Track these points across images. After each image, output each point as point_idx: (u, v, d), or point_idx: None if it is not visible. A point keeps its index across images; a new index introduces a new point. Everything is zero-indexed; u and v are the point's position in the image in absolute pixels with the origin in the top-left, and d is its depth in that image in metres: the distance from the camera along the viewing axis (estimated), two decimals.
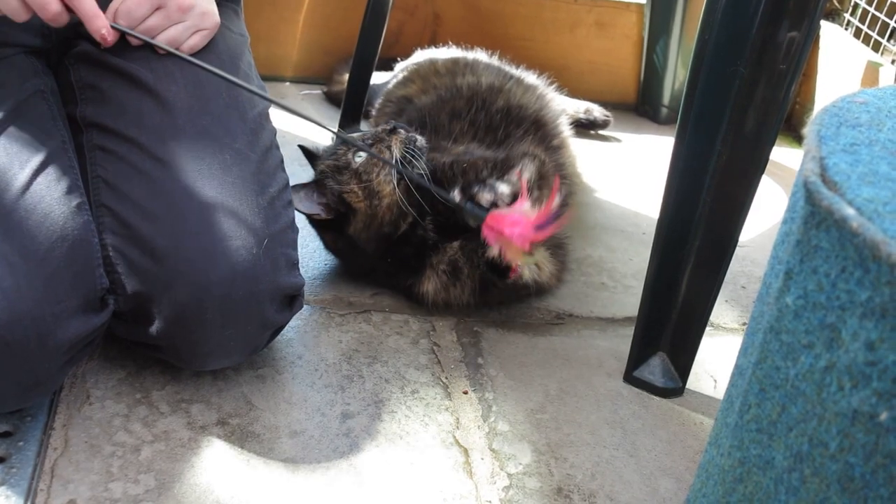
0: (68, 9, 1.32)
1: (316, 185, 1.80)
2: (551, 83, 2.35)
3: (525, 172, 1.72)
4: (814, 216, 0.66)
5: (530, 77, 2.31)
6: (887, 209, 0.63)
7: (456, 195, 1.65)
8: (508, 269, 1.68)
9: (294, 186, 1.66)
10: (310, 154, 1.91)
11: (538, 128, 2.06)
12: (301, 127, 2.55)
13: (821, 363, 0.66)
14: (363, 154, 1.74)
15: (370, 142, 1.76)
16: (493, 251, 1.60)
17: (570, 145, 2.23)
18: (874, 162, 0.70)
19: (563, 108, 2.40)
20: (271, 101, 1.48)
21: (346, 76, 2.70)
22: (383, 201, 1.73)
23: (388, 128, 1.78)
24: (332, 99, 2.82)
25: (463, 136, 1.95)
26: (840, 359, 0.63)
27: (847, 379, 0.63)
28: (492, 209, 1.56)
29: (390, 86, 2.42)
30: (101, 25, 1.36)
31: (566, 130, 2.22)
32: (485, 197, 1.62)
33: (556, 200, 1.62)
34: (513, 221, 1.50)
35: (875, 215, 0.62)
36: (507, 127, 2.01)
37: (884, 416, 0.60)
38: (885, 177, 0.68)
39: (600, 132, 2.85)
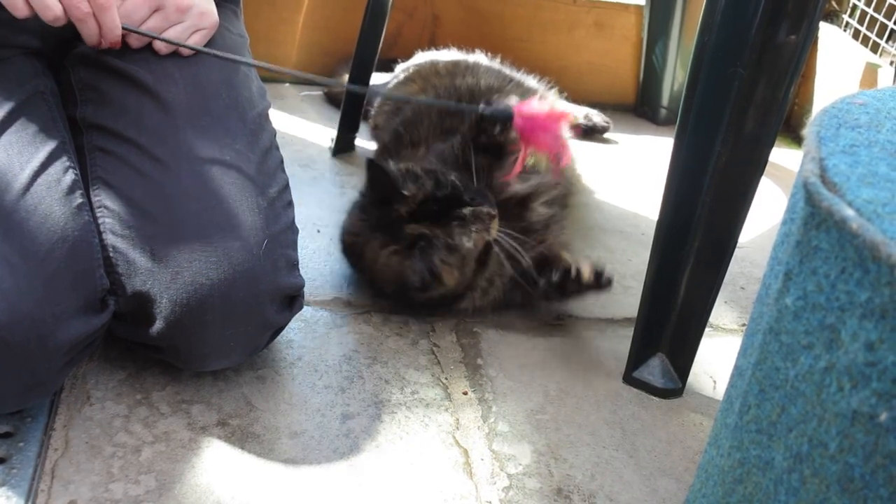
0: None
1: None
2: (551, 87, 2.36)
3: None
4: (813, 217, 0.67)
5: (530, 80, 2.31)
6: (887, 210, 0.63)
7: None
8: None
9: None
10: (385, 177, 1.73)
11: None
12: (301, 128, 2.56)
13: (820, 364, 0.66)
14: (471, 234, 1.68)
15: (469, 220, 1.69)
16: (528, 159, 1.55)
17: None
18: (873, 163, 0.70)
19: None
20: (292, 74, 1.48)
21: (347, 77, 2.70)
22: (469, 266, 1.72)
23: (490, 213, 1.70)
24: (332, 100, 2.81)
25: (453, 132, 1.94)
26: (840, 359, 0.64)
27: (847, 380, 0.63)
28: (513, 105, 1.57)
29: (390, 86, 2.42)
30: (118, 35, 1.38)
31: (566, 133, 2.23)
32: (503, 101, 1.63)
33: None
34: (543, 115, 1.52)
35: (874, 216, 0.62)
36: None
37: (883, 416, 0.60)
38: (884, 178, 0.68)
39: (595, 138, 2.85)
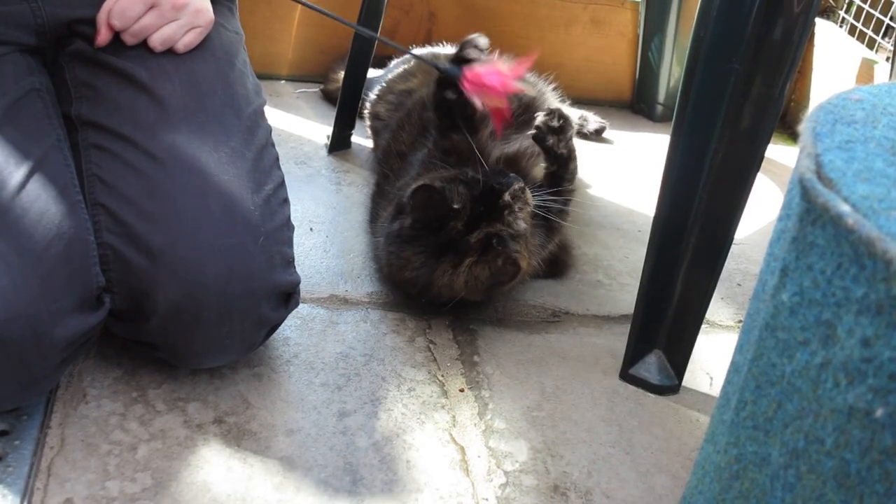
0: None
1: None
2: (551, 85, 2.36)
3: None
4: (809, 213, 0.67)
5: (531, 77, 2.31)
6: (882, 206, 0.63)
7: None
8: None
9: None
10: (438, 196, 1.71)
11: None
12: (297, 125, 2.55)
13: (817, 360, 0.66)
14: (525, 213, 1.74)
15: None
16: (476, 102, 1.73)
17: None
18: (869, 159, 0.70)
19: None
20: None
21: (342, 73, 2.70)
22: (530, 243, 1.77)
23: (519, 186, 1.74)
24: (329, 97, 2.80)
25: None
26: (836, 355, 0.64)
27: (843, 375, 0.63)
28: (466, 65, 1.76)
29: (390, 76, 2.40)
30: None
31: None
32: (467, 52, 1.81)
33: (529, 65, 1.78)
34: (489, 71, 1.71)
35: (870, 212, 0.62)
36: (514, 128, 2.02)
37: (879, 412, 0.60)
38: (880, 173, 0.68)
39: (591, 139, 2.85)
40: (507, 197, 1.69)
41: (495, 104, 1.74)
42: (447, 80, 1.79)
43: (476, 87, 1.72)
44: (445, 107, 1.86)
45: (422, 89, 2.18)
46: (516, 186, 1.70)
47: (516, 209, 1.69)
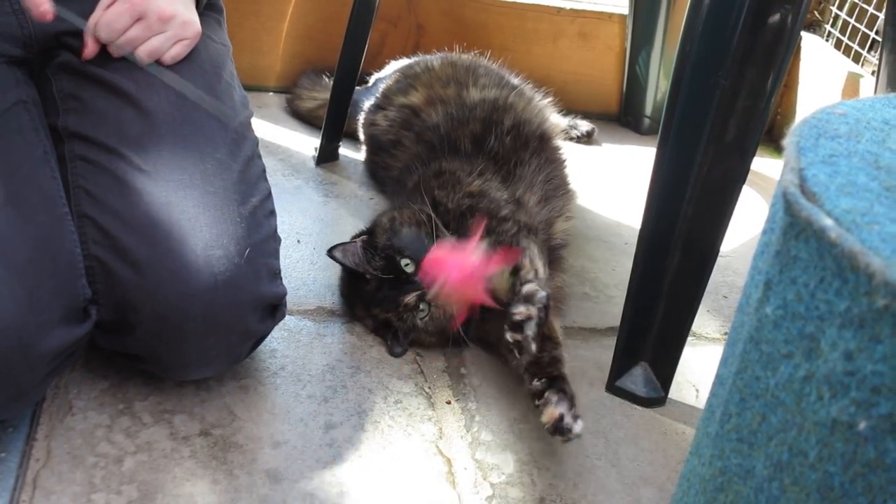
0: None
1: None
2: (547, 96, 2.37)
3: (535, 261, 1.72)
4: (793, 227, 0.67)
5: (525, 86, 2.32)
6: (865, 220, 0.63)
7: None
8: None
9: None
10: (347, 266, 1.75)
11: (542, 145, 2.08)
12: (285, 137, 2.55)
13: (800, 373, 0.66)
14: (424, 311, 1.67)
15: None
16: (431, 294, 1.62)
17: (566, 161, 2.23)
18: (853, 173, 0.70)
19: (558, 122, 2.42)
20: None
21: (316, 92, 2.69)
22: (443, 326, 1.70)
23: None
24: (295, 114, 2.79)
25: (485, 169, 1.93)
26: (819, 368, 0.64)
27: (826, 388, 0.63)
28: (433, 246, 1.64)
29: (385, 88, 2.39)
30: None
31: (562, 146, 2.24)
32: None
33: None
34: (451, 265, 1.57)
35: (853, 226, 0.62)
36: (518, 152, 2.00)
37: (862, 425, 0.60)
38: (863, 187, 0.68)
39: (582, 142, 2.86)
40: (408, 298, 1.65)
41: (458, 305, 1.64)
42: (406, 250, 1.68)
43: (431, 280, 1.60)
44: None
45: (427, 110, 2.17)
46: (425, 295, 1.65)
47: (420, 310, 1.66)
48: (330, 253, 1.71)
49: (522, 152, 2.01)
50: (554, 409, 1.43)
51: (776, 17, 1.35)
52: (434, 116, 2.12)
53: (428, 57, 2.46)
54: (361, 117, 2.41)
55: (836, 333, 0.62)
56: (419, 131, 2.12)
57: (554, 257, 1.91)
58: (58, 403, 1.43)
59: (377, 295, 1.69)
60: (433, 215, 1.71)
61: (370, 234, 1.75)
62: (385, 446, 1.45)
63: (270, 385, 1.55)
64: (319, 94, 2.67)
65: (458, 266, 1.56)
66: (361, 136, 2.44)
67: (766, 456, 0.71)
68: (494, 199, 1.82)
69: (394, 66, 2.54)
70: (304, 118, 2.71)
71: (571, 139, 2.82)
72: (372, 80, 2.56)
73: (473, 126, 2.04)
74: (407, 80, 2.36)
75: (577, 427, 1.42)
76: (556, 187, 2.03)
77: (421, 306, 1.65)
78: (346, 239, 1.74)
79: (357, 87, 2.50)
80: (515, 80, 2.33)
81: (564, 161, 2.17)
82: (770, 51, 1.38)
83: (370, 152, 2.38)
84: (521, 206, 1.86)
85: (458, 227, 1.72)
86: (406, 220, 1.72)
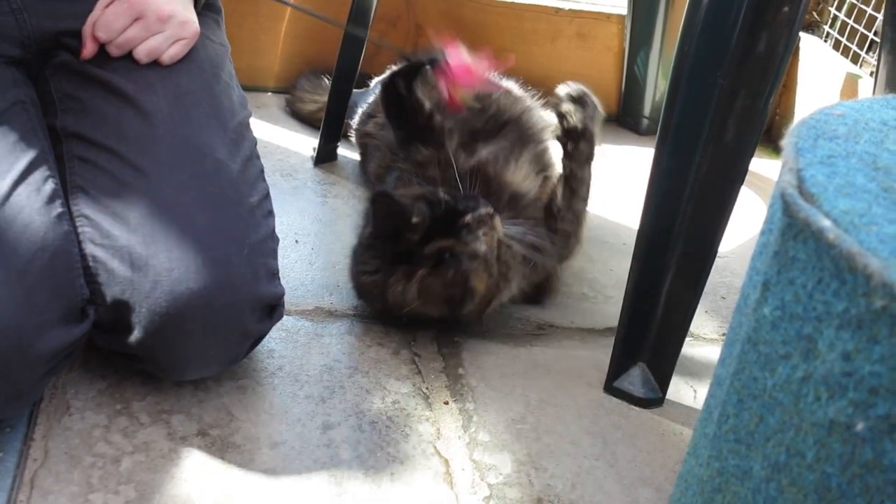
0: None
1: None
2: (536, 95, 2.35)
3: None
4: (791, 228, 0.67)
5: (514, 87, 2.31)
6: (863, 221, 0.63)
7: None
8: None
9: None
10: (396, 207, 1.70)
11: (521, 128, 2.07)
12: (283, 138, 2.55)
13: (798, 374, 0.66)
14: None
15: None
16: (443, 91, 1.78)
17: (556, 160, 2.22)
18: (851, 174, 0.70)
19: (548, 120, 2.39)
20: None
21: (318, 95, 2.69)
22: (493, 267, 1.71)
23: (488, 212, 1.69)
24: (294, 114, 2.79)
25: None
26: (817, 369, 0.64)
27: (824, 389, 0.63)
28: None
29: (376, 98, 2.37)
30: None
31: (551, 142, 2.21)
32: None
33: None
34: (468, 63, 1.76)
35: (851, 227, 0.62)
36: (491, 133, 2.01)
37: (860, 426, 0.60)
38: (861, 188, 0.68)
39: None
40: (468, 218, 1.65)
41: (461, 95, 1.78)
42: (407, 71, 1.84)
43: (450, 77, 1.76)
44: (395, 107, 1.89)
45: None
46: (482, 212, 1.67)
47: (478, 232, 1.66)
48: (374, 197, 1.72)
49: (491, 134, 2.03)
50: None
51: (775, 18, 1.35)
52: None
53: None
54: (354, 126, 2.41)
55: (833, 334, 0.62)
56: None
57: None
58: (55, 403, 1.43)
59: (428, 231, 1.66)
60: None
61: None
62: (382, 446, 1.45)
63: (268, 385, 1.55)
64: (321, 98, 2.66)
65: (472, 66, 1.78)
66: (356, 143, 2.43)
67: (763, 457, 0.71)
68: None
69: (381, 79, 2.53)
70: (306, 120, 2.70)
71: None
72: (373, 83, 2.55)
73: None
74: None
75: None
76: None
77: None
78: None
79: (356, 90, 2.49)
80: (506, 83, 2.31)
81: (548, 147, 2.14)
82: (769, 51, 1.37)
83: (363, 160, 2.38)
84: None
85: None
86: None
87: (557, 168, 2.00)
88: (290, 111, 2.81)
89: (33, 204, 1.31)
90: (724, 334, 1.92)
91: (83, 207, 1.38)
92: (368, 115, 2.34)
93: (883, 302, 0.58)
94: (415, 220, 1.65)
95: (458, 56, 1.77)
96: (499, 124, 2.04)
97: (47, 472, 1.30)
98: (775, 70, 1.39)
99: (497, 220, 1.70)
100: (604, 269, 2.13)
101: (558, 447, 1.50)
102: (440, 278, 1.66)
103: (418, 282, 1.67)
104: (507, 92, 2.17)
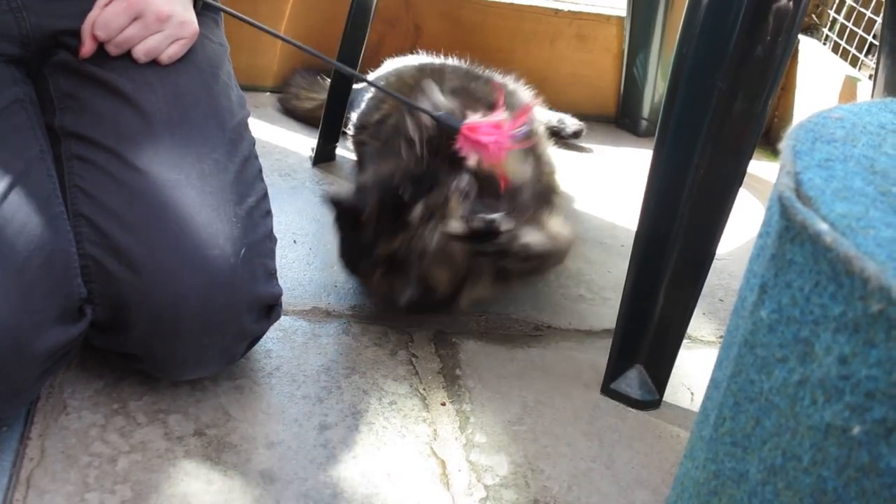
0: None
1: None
2: (526, 86, 2.35)
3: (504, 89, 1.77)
4: (788, 231, 0.67)
5: (498, 77, 2.29)
6: (861, 224, 0.63)
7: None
8: (491, 230, 1.61)
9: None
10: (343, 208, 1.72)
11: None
12: (282, 137, 2.55)
13: (794, 377, 0.66)
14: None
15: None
16: (471, 161, 1.62)
17: (545, 140, 2.20)
18: (848, 177, 0.71)
19: (540, 115, 2.38)
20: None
21: (315, 92, 2.68)
22: (456, 256, 1.66)
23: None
24: (288, 112, 2.78)
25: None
26: (813, 373, 0.64)
27: (820, 393, 0.63)
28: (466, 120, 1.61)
29: (364, 109, 2.35)
30: None
31: (539, 129, 2.18)
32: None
33: (527, 116, 1.67)
34: (489, 129, 1.58)
35: (849, 230, 0.62)
36: None
37: (856, 430, 0.60)
38: (858, 192, 0.68)
39: (578, 143, 2.85)
40: (416, 211, 1.61)
41: (491, 165, 1.64)
42: (442, 122, 1.64)
43: (473, 144, 1.60)
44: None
45: (393, 114, 2.11)
46: (433, 201, 1.62)
47: (427, 227, 1.61)
48: (326, 199, 1.69)
49: None
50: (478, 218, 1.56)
51: (773, 20, 1.35)
52: (391, 120, 2.09)
53: (406, 65, 2.44)
54: (350, 131, 2.40)
55: (830, 338, 0.62)
56: (381, 136, 2.12)
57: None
58: (52, 402, 1.43)
59: (378, 228, 1.64)
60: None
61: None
62: (379, 447, 1.45)
63: (265, 385, 1.55)
64: (318, 95, 2.66)
65: (496, 128, 1.60)
66: (352, 146, 2.43)
67: (759, 460, 0.71)
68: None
69: (387, 65, 2.53)
70: (303, 118, 2.70)
71: (559, 139, 2.78)
72: (368, 78, 2.55)
73: None
74: (378, 98, 2.31)
75: (503, 221, 1.54)
76: None
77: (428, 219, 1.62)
78: None
79: (356, 87, 2.49)
80: (491, 75, 2.29)
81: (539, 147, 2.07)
82: (767, 53, 1.37)
83: (359, 165, 2.37)
84: None
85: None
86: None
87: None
88: (284, 109, 2.79)
89: (31, 203, 1.30)
90: (721, 336, 1.92)
91: (81, 207, 1.37)
92: (361, 127, 2.33)
93: (880, 305, 0.58)
94: (364, 217, 1.65)
95: (478, 124, 1.62)
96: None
97: (44, 472, 1.30)
98: (774, 72, 1.40)
99: (453, 203, 1.64)
100: (601, 271, 2.13)
101: (555, 449, 1.50)
102: (397, 277, 1.66)
103: (377, 282, 1.69)
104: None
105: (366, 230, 1.66)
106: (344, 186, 1.69)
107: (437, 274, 1.66)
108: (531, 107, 1.69)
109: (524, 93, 2.31)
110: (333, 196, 1.68)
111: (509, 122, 1.62)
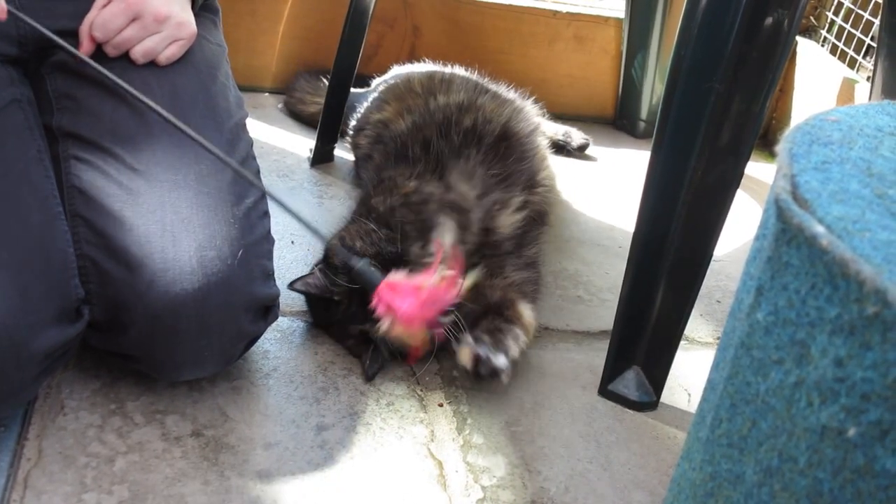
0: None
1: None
2: (532, 99, 2.35)
3: (445, 236, 1.69)
4: (785, 233, 0.67)
5: (508, 92, 2.29)
6: (857, 227, 0.63)
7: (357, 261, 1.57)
8: (405, 354, 1.62)
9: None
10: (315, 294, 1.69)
11: (502, 141, 1.98)
12: (280, 138, 2.55)
13: (790, 379, 0.66)
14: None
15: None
16: (384, 325, 1.48)
17: (548, 159, 2.22)
18: (845, 180, 0.71)
19: (539, 122, 2.37)
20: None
21: (318, 96, 2.68)
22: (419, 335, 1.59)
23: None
24: (292, 113, 2.79)
25: (424, 170, 1.87)
26: (809, 375, 0.64)
27: (816, 395, 0.63)
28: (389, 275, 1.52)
29: (365, 108, 2.37)
30: None
31: (542, 144, 2.20)
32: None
33: (460, 281, 1.56)
34: (404, 294, 1.46)
35: (844, 233, 0.62)
36: (466, 147, 1.92)
37: (852, 431, 0.60)
38: (855, 195, 0.68)
39: (573, 156, 2.84)
40: (375, 302, 1.53)
41: (399, 330, 1.49)
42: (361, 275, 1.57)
43: (385, 308, 1.47)
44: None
45: (397, 120, 2.12)
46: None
47: (385, 321, 1.53)
48: (291, 287, 1.65)
49: (468, 148, 1.92)
50: (470, 350, 1.53)
51: (771, 22, 1.35)
52: (400, 126, 2.09)
53: (414, 71, 2.44)
54: (349, 138, 2.40)
55: (826, 340, 0.62)
56: (385, 142, 2.10)
57: (503, 250, 1.85)
58: (49, 403, 1.43)
59: (349, 310, 1.64)
60: (374, 227, 1.67)
61: (325, 259, 1.68)
62: (377, 448, 1.45)
63: (263, 386, 1.55)
64: (322, 98, 2.65)
65: (412, 296, 1.46)
66: (351, 149, 2.43)
67: (756, 461, 0.71)
68: (424, 192, 1.78)
69: (395, 71, 2.53)
70: (308, 122, 2.69)
71: (562, 151, 2.78)
72: (374, 83, 2.55)
73: (428, 131, 1.97)
74: (382, 95, 2.34)
75: (501, 361, 1.50)
76: (506, 180, 1.93)
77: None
78: None
79: (356, 90, 2.50)
80: (499, 89, 2.29)
81: (534, 156, 2.09)
82: (765, 55, 1.38)
83: (357, 168, 2.37)
84: (449, 189, 1.82)
85: (403, 232, 1.67)
86: (354, 236, 1.68)
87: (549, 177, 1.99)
88: (289, 112, 2.80)
89: (29, 204, 1.31)
90: (718, 338, 1.92)
91: (78, 207, 1.37)
92: (359, 129, 2.33)
93: (875, 308, 0.58)
94: (336, 298, 1.65)
95: (398, 284, 1.49)
96: (485, 133, 1.98)
97: (41, 472, 1.30)
98: (771, 75, 1.40)
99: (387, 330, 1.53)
100: (599, 272, 2.13)
101: (552, 450, 1.51)
102: (367, 348, 1.65)
103: (349, 347, 1.70)
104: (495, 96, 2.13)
105: (336, 313, 1.66)
106: (312, 274, 1.65)
107: (407, 348, 1.61)
108: (458, 275, 1.57)
109: (532, 109, 2.30)
110: (301, 285, 1.66)
111: (432, 289, 1.48)
